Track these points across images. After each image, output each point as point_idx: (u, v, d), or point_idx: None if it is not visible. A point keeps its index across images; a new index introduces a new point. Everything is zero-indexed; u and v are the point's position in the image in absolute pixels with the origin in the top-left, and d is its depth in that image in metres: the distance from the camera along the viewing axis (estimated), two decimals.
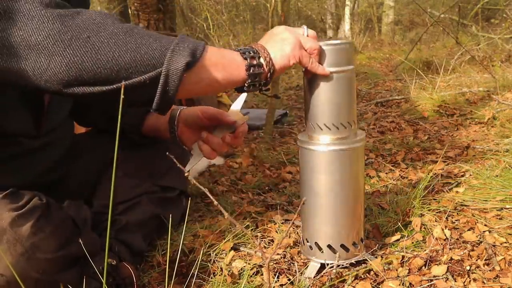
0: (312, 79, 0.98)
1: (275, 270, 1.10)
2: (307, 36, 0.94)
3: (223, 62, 0.85)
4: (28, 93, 0.96)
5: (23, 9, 0.72)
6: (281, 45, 0.90)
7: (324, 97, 0.98)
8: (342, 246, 1.05)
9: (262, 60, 0.88)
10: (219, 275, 1.06)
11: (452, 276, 1.03)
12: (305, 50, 0.92)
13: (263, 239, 1.26)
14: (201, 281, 1.07)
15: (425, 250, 1.14)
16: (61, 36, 0.73)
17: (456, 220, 1.28)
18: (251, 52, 0.88)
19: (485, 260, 1.09)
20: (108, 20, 0.77)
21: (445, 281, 1.02)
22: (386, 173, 1.77)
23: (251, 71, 0.87)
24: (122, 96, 0.64)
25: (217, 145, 1.06)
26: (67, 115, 1.15)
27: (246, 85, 0.88)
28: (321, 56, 0.95)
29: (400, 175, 1.72)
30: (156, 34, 0.82)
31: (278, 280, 1.06)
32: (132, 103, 0.81)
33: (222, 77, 0.85)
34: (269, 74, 0.89)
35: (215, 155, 1.07)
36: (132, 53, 0.76)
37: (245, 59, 0.87)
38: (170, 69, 0.77)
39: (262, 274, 1.08)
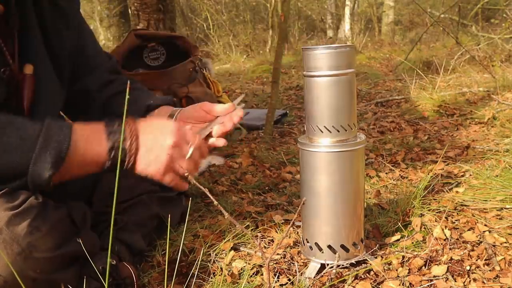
0: (312, 82, 0.98)
1: (275, 270, 1.10)
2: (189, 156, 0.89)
3: (86, 160, 0.84)
4: (5, 98, 0.96)
5: None
6: (156, 159, 0.86)
7: (324, 100, 0.99)
8: (342, 246, 1.05)
9: (127, 159, 0.86)
10: (219, 275, 1.06)
11: (452, 276, 1.03)
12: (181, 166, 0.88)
13: (263, 239, 1.26)
14: (201, 281, 1.07)
15: (425, 250, 1.14)
16: None
17: (456, 220, 1.28)
18: (121, 150, 0.85)
19: (485, 260, 1.09)
20: None
21: (445, 281, 1.02)
22: (386, 173, 1.77)
23: (111, 167, 0.85)
24: (127, 96, 0.63)
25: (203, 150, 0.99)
26: (57, 116, 1.14)
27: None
28: (322, 59, 0.97)
29: (400, 175, 1.72)
30: (18, 131, 0.80)
31: (278, 280, 1.06)
32: None
33: (86, 171, 0.86)
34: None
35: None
36: None
37: (110, 157, 0.84)
38: (34, 179, 0.80)
39: (262, 274, 1.07)
